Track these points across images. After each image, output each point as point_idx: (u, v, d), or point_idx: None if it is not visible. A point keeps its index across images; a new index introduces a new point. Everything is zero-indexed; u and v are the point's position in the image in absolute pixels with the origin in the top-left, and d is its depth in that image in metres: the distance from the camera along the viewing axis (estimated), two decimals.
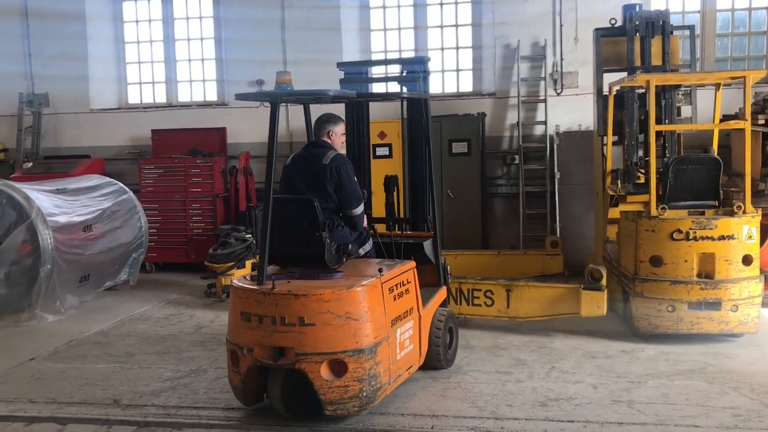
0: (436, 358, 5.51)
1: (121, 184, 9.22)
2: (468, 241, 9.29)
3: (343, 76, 6.57)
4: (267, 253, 4.62)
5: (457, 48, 10.49)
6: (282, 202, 4.96)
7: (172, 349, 6.46)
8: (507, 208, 10.01)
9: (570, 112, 9.61)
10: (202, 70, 11.29)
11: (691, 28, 8.10)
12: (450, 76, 10.55)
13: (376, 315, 4.61)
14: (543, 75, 9.73)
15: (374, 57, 10.73)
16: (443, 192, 9.41)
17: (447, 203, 9.44)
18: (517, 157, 9.75)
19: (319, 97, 5.20)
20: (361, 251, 5.36)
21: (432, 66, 10.36)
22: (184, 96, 11.37)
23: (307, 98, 5.46)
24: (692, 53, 7.96)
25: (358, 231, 5.36)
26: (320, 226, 4.80)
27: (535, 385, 5.29)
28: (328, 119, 5.42)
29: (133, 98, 11.54)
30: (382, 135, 9.50)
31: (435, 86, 10.55)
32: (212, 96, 11.22)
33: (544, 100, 9.68)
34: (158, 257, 10.16)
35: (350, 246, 5.06)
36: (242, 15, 10.59)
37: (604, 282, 6.20)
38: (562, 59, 9.70)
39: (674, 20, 8.39)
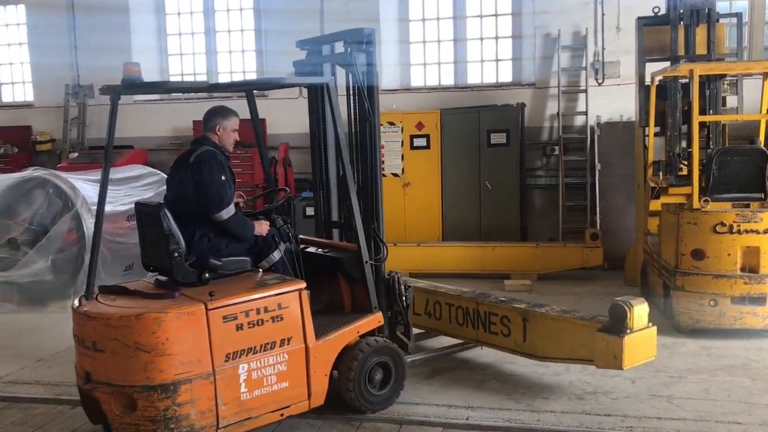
0: (349, 398, 4.61)
1: (164, 174, 9.36)
2: (506, 232, 9.23)
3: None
4: (95, 266, 4.37)
5: (497, 38, 10.39)
6: (140, 208, 4.67)
7: None
8: (546, 199, 9.91)
9: (611, 102, 9.45)
10: (242, 61, 11.41)
11: (739, 15, 7.91)
12: (489, 66, 10.46)
13: (186, 348, 3.93)
14: (584, 65, 9.58)
15: (412, 47, 10.72)
16: (481, 183, 9.37)
17: (485, 194, 9.38)
18: (556, 147, 9.64)
19: (157, 89, 4.81)
20: (265, 263, 4.68)
21: (471, 56, 10.47)
22: None
23: (147, 90, 5.06)
24: (739, 41, 7.77)
25: (243, 240, 4.64)
26: (165, 236, 4.31)
27: (572, 379, 5.25)
28: (217, 112, 4.82)
29: None
30: (419, 126, 9.50)
31: (474, 76, 10.49)
32: None
33: (585, 90, 9.54)
34: None
35: (212, 260, 4.40)
36: (281, 6, 10.65)
37: (629, 323, 4.46)
38: (603, 48, 9.54)
39: (721, 8, 8.19)
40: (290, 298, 4.31)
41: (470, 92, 10.14)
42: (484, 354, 5.79)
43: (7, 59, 12.46)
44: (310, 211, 9.80)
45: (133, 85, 4.34)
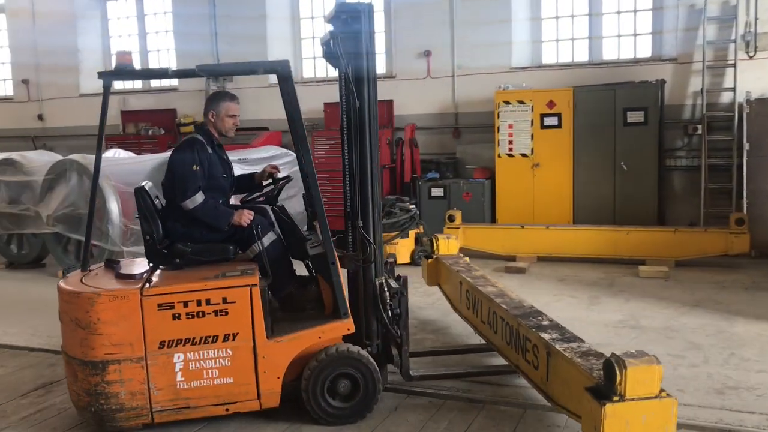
0: (307, 408, 4.25)
1: (296, 155, 9.66)
2: (642, 216, 8.81)
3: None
4: (89, 241, 4.58)
5: (635, 11, 9.86)
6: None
7: None
8: (687, 182, 9.34)
9: (764, 77, 8.74)
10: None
11: None
12: (626, 41, 9.95)
13: (117, 330, 4.02)
14: (733, 37, 8.90)
15: (544, 23, 10.40)
16: (616, 164, 8.97)
17: (620, 176, 8.99)
18: (699, 126, 9.06)
19: (155, 75, 4.51)
20: (249, 253, 4.50)
21: (607, 30, 10.00)
22: None
23: (137, 77, 4.73)
24: None
25: (217, 229, 4.49)
26: (138, 218, 4.46)
27: (710, 371, 4.93)
28: (211, 98, 4.75)
29: (308, 72, 12.04)
30: (551, 104, 9.22)
31: (610, 52, 10.02)
32: (381, 69, 11.44)
33: (734, 65, 8.86)
34: (328, 225, 10.59)
35: (180, 245, 4.37)
36: None
37: (618, 388, 3.13)
38: (756, 18, 8.80)
39: None
40: (238, 293, 4.12)
41: (606, 68, 9.70)
42: (615, 341, 5.56)
43: (155, 46, 13.32)
44: (436, 192, 9.82)
45: (123, 73, 4.44)
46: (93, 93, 13.28)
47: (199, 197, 4.43)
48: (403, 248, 8.47)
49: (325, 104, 11.06)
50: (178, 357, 4.10)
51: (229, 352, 4.15)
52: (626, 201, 8.99)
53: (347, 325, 4.35)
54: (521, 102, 9.35)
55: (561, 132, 9.19)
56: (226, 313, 4.11)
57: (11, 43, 14.28)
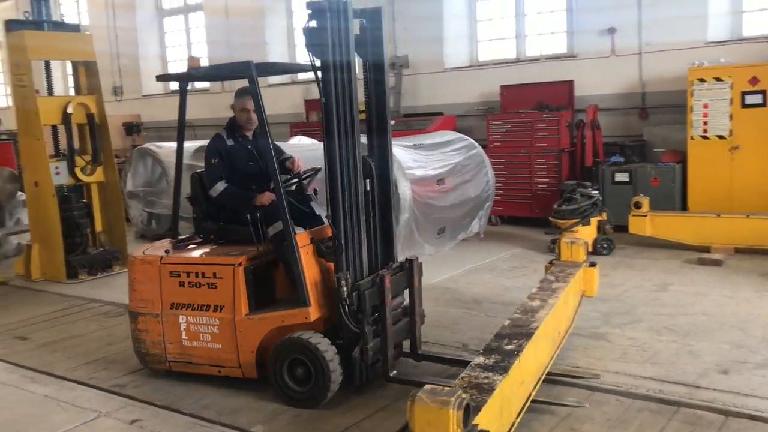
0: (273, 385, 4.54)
1: (471, 140, 9.57)
2: None
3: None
4: (177, 216, 5.44)
5: None
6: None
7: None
8: None
9: None
10: (551, 22, 11.10)
11: None
12: None
13: (144, 289, 4.97)
14: None
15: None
16: None
17: None
18: None
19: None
20: (272, 230, 4.77)
21: None
22: (532, 50, 11.33)
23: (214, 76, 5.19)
24: None
25: (243, 212, 4.91)
26: (190, 200, 5.26)
27: None
28: (236, 93, 5.23)
29: (484, 55, 11.85)
30: (753, 80, 8.37)
31: None
32: (561, 48, 10.99)
33: None
34: (503, 211, 10.42)
35: (209, 224, 5.14)
36: None
37: (408, 420, 2.81)
38: None
39: None
40: (225, 271, 4.70)
41: None
42: None
43: None
44: (620, 177, 9.30)
45: (197, 73, 5.25)
46: (275, 84, 14.00)
47: (220, 186, 5.03)
48: (584, 236, 8.08)
49: (502, 87, 10.85)
50: (182, 318, 4.86)
51: (217, 321, 4.76)
52: None
53: (305, 314, 4.52)
54: (718, 79, 8.56)
55: (766, 111, 8.32)
56: (216, 287, 4.73)
57: (208, 39, 15.43)
